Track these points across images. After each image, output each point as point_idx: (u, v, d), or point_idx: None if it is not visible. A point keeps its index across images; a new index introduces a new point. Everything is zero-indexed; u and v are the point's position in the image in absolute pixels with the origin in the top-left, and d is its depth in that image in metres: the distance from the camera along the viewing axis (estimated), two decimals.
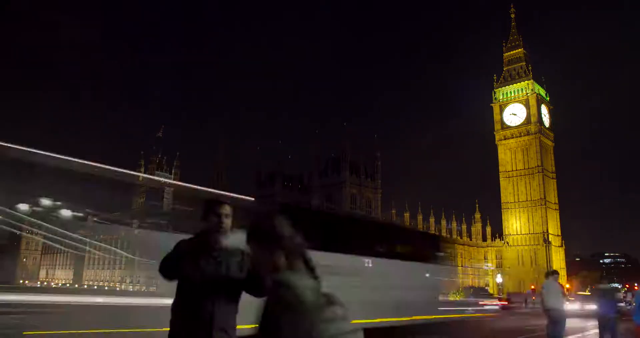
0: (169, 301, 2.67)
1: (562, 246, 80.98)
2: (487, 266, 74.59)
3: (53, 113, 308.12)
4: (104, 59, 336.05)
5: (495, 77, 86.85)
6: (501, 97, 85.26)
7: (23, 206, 6.57)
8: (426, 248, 13.29)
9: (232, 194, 8.77)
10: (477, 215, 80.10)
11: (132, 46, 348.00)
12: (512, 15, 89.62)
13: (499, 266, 77.76)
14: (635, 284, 74.92)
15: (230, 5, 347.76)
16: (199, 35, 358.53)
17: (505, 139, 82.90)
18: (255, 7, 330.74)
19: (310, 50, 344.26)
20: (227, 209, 2.71)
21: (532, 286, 53.97)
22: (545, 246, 74.73)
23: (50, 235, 6.91)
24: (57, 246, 7.32)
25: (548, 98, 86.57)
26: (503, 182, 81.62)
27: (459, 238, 76.18)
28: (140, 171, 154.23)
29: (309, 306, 1.48)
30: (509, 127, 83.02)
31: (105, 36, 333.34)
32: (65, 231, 6.88)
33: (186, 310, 2.58)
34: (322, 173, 60.20)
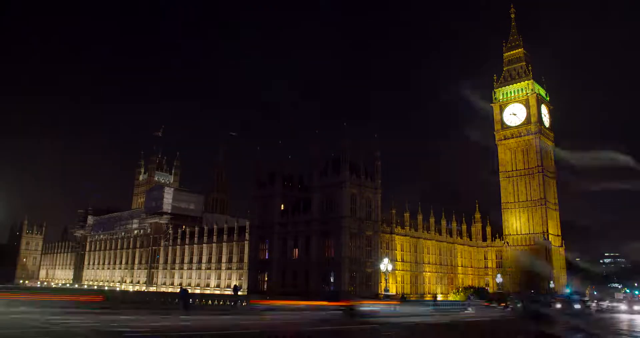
0: None
1: (562, 246, 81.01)
2: None
3: (53, 112, 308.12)
4: (104, 59, 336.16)
5: (495, 77, 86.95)
6: (501, 97, 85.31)
7: None
8: None
9: None
10: (477, 215, 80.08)
11: (133, 45, 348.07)
12: (512, 15, 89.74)
13: (499, 266, 77.76)
14: (636, 284, 74.84)
15: (233, 8, 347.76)
16: (200, 35, 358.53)
17: (505, 139, 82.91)
18: (256, 10, 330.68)
19: (310, 50, 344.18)
20: None
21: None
22: (546, 246, 74.72)
23: None
24: None
25: (548, 98, 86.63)
26: (503, 182, 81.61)
27: (459, 238, 76.17)
28: (140, 171, 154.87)
29: None
30: (509, 127, 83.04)
31: (107, 35, 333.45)
32: None
33: None
34: (322, 173, 60.01)
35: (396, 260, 63.36)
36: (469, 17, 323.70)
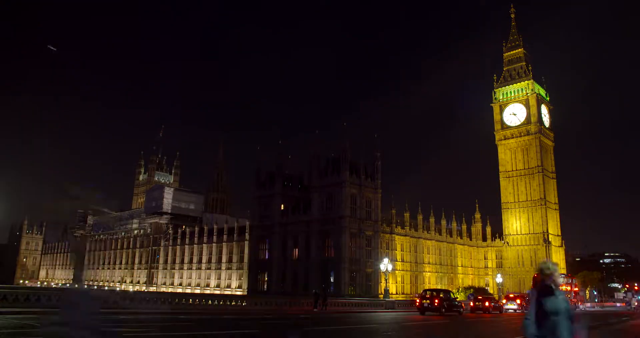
0: None
1: (562, 246, 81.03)
2: None
3: (54, 112, 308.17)
4: (105, 59, 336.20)
5: (495, 77, 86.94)
6: (501, 97, 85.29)
7: None
8: None
9: None
10: (477, 215, 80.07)
11: (133, 46, 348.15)
12: (512, 15, 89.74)
13: (499, 266, 77.78)
14: (636, 284, 74.83)
15: (233, 9, 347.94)
16: (200, 36, 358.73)
17: (505, 139, 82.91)
18: (256, 11, 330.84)
19: (310, 51, 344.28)
20: None
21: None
22: (545, 246, 74.77)
23: None
24: None
25: (548, 98, 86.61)
26: (503, 182, 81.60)
27: (459, 238, 76.17)
28: (140, 171, 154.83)
29: None
30: (509, 127, 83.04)
31: (107, 36, 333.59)
32: None
33: None
34: (322, 173, 59.99)
35: (396, 260, 63.36)
36: (469, 17, 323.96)
